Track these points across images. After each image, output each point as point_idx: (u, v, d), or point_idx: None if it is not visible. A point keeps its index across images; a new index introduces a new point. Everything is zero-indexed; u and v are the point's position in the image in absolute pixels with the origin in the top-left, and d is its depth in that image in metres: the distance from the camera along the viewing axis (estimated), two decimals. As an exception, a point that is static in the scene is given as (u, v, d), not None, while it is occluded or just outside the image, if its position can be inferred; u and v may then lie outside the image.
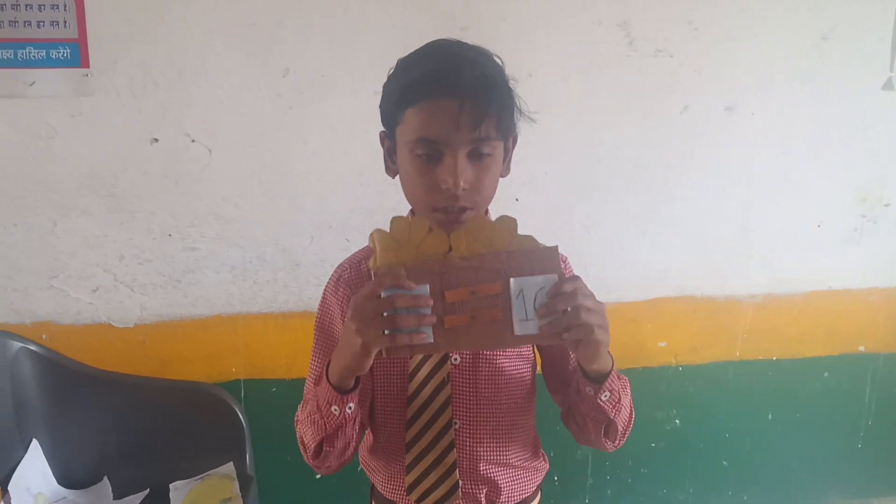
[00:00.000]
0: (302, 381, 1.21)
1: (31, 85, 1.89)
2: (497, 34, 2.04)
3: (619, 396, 1.10)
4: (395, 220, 1.00)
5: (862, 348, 2.46)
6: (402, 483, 1.19)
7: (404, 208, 1.16)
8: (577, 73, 2.11)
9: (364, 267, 1.20)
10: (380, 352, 0.97)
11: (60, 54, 1.90)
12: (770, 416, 2.46)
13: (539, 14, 2.07)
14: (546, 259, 0.99)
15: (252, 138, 2.01)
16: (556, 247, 1.00)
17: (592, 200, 2.19)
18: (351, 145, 2.04)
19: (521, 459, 1.22)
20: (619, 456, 2.36)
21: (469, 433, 1.17)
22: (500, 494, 1.20)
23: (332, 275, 1.23)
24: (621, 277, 2.25)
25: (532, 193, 2.13)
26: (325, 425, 1.08)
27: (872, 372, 2.48)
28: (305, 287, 2.11)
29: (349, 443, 1.13)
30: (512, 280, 0.99)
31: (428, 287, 0.98)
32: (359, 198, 2.08)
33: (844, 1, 2.16)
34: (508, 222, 1.00)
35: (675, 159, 2.20)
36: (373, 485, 1.28)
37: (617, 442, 1.17)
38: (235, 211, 2.05)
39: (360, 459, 1.29)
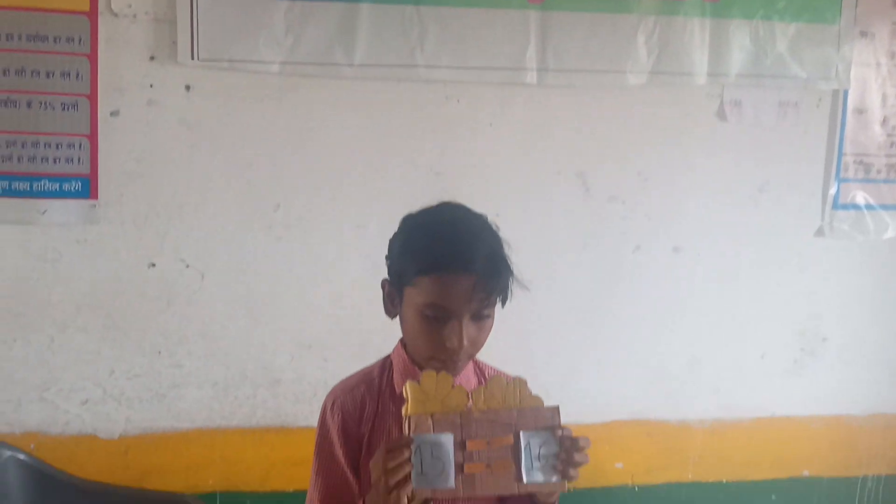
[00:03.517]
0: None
1: (42, 213, 2.08)
2: (468, 178, 2.27)
3: None
4: (426, 376, 1.17)
5: (806, 472, 2.60)
6: None
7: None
8: (539, 215, 2.34)
9: (358, 393, 1.32)
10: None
11: (72, 187, 2.10)
12: (722, 538, 2.57)
13: (506, 163, 2.31)
14: (549, 416, 1.18)
15: (242, 265, 2.20)
16: (558, 406, 1.19)
17: (553, 332, 2.37)
18: (332, 274, 2.23)
19: None
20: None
21: None
22: None
23: (326, 400, 1.34)
24: (580, 402, 2.38)
25: (496, 324, 2.30)
26: None
27: (817, 495, 2.61)
28: (283, 403, 2.25)
29: None
30: (521, 433, 1.17)
31: (452, 436, 1.14)
32: (337, 321, 2.25)
33: (777, 159, 2.42)
34: (520, 383, 1.19)
35: (628, 295, 2.40)
36: None
37: None
38: (222, 331, 2.21)
39: None
